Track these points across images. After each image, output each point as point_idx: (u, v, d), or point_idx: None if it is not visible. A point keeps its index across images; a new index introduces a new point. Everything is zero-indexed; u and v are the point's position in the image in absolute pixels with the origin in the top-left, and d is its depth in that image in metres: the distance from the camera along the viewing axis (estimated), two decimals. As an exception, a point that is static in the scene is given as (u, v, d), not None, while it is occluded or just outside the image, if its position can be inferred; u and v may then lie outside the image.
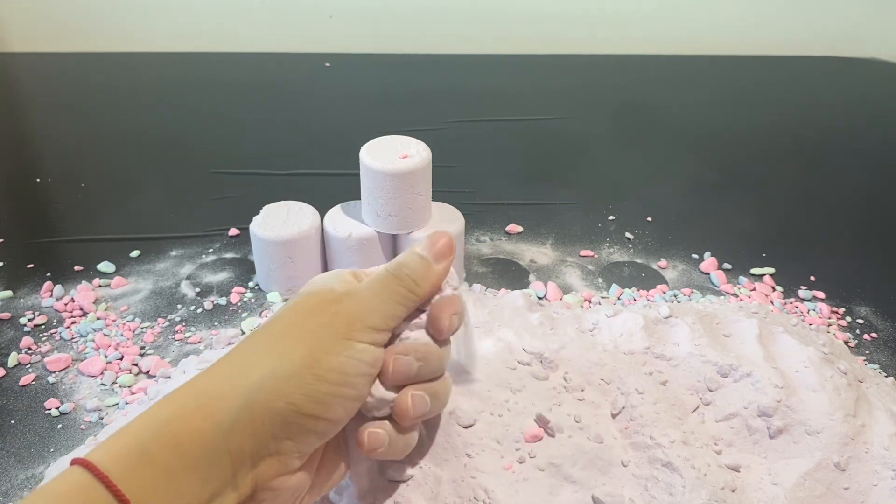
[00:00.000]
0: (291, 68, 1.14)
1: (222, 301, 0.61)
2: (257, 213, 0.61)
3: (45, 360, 0.53)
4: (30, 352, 0.54)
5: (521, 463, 0.37)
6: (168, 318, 0.59)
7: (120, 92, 1.03)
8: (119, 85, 1.05)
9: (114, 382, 0.52)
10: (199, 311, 0.60)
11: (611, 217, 0.75)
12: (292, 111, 0.98)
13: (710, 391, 0.44)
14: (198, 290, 0.62)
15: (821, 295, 0.64)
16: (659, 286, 0.64)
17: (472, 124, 0.96)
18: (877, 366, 0.56)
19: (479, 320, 0.46)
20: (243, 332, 0.57)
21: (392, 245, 0.61)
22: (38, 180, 0.79)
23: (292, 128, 0.94)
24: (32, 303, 0.60)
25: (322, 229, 0.61)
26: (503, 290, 0.62)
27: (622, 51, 1.24)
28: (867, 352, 0.58)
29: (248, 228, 0.60)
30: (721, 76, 1.19)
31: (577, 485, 0.37)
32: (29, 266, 0.64)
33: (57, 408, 0.50)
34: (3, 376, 0.52)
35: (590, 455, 0.38)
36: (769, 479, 0.40)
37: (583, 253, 0.69)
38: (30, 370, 0.53)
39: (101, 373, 0.52)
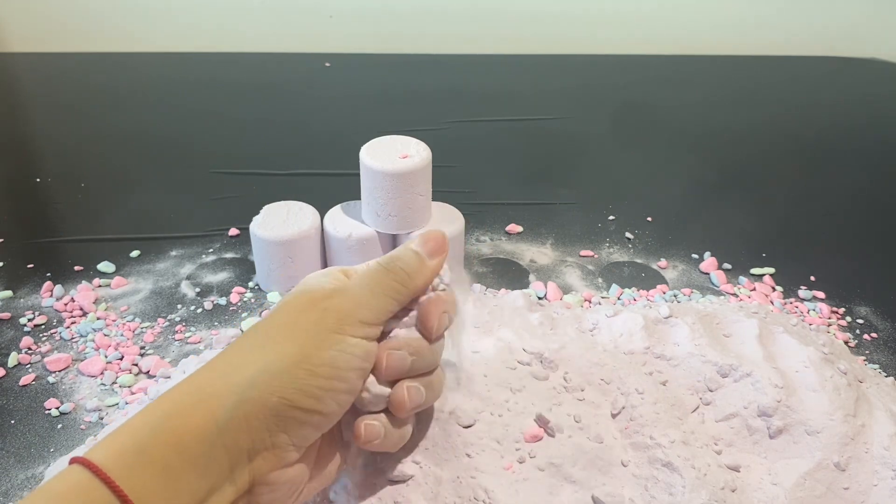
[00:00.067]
0: (291, 68, 1.14)
1: (222, 301, 0.61)
2: (257, 213, 0.61)
3: (45, 360, 0.53)
4: (30, 352, 0.54)
5: (521, 463, 0.37)
6: (168, 318, 0.59)
7: (120, 92, 1.03)
8: (119, 85, 1.05)
9: (114, 382, 0.52)
10: (199, 311, 0.60)
11: (611, 217, 0.75)
12: (292, 111, 0.98)
13: (710, 391, 0.44)
14: (198, 290, 0.62)
15: (821, 295, 0.64)
16: (659, 286, 0.64)
17: (472, 124, 0.96)
18: (877, 366, 0.56)
19: (480, 320, 0.46)
20: (243, 332, 0.57)
21: (392, 245, 0.61)
22: (38, 180, 0.79)
23: (292, 128, 0.94)
24: (32, 303, 0.60)
25: (322, 229, 0.61)
26: (503, 290, 0.62)
27: (622, 51, 1.24)
28: (867, 352, 0.58)
29: (248, 228, 0.60)
30: (721, 76, 1.19)
31: (577, 485, 0.37)
32: (29, 266, 0.64)
33: (57, 408, 0.49)
34: (3, 376, 0.52)
35: (590, 455, 0.38)
36: (769, 479, 0.40)
37: (583, 253, 0.69)
38: (30, 370, 0.53)
39: (101, 373, 0.52)
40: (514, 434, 0.37)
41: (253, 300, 0.61)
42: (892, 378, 0.52)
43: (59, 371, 0.53)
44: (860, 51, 1.27)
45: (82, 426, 0.48)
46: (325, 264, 0.62)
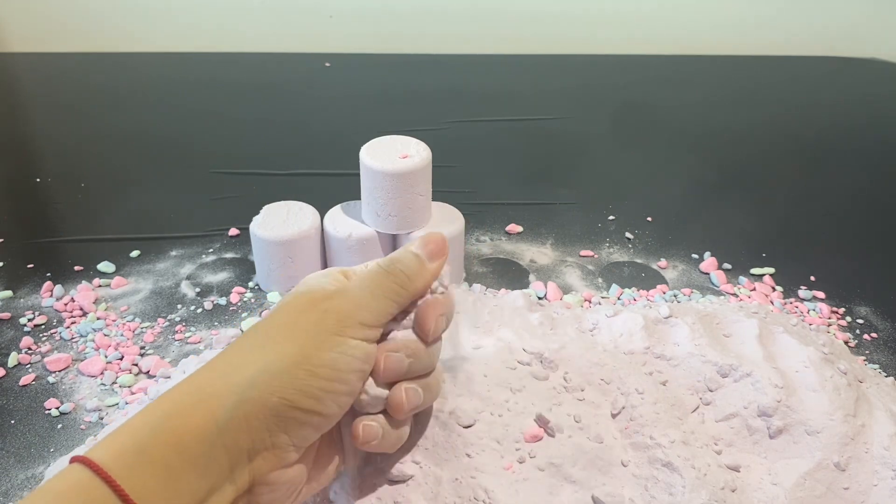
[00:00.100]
0: (291, 68, 1.14)
1: (222, 301, 0.61)
2: (257, 213, 0.61)
3: (45, 360, 0.53)
4: (30, 352, 0.54)
5: (521, 463, 0.37)
6: (168, 318, 0.59)
7: (120, 92, 1.03)
8: (119, 85, 1.05)
9: (114, 382, 0.52)
10: (199, 311, 0.60)
11: (611, 217, 0.75)
12: (292, 111, 0.98)
13: (710, 391, 0.44)
14: (198, 290, 0.62)
15: (821, 295, 0.64)
16: (659, 286, 0.64)
17: (472, 124, 0.96)
18: (877, 366, 0.56)
19: (480, 320, 0.46)
20: (243, 332, 0.57)
21: (392, 245, 0.61)
22: (38, 180, 0.79)
23: (292, 128, 0.94)
24: (32, 303, 0.60)
25: (322, 229, 0.61)
26: (503, 290, 0.62)
27: (622, 51, 1.24)
28: (867, 352, 0.58)
29: (248, 228, 0.60)
30: (721, 76, 1.19)
31: (577, 485, 0.37)
32: (29, 266, 0.64)
33: (57, 408, 0.49)
34: (3, 376, 0.52)
35: (590, 455, 0.38)
36: (769, 479, 0.40)
37: (583, 253, 0.69)
38: (30, 370, 0.53)
39: (101, 373, 0.52)
40: (514, 434, 0.37)
41: (253, 300, 0.61)
42: (892, 378, 0.52)
43: (59, 371, 0.53)
44: (860, 51, 1.27)
45: (82, 426, 0.48)
46: (325, 264, 0.62)
